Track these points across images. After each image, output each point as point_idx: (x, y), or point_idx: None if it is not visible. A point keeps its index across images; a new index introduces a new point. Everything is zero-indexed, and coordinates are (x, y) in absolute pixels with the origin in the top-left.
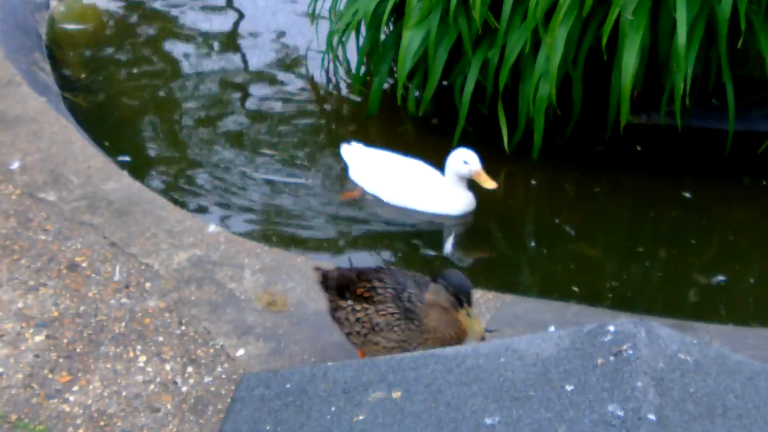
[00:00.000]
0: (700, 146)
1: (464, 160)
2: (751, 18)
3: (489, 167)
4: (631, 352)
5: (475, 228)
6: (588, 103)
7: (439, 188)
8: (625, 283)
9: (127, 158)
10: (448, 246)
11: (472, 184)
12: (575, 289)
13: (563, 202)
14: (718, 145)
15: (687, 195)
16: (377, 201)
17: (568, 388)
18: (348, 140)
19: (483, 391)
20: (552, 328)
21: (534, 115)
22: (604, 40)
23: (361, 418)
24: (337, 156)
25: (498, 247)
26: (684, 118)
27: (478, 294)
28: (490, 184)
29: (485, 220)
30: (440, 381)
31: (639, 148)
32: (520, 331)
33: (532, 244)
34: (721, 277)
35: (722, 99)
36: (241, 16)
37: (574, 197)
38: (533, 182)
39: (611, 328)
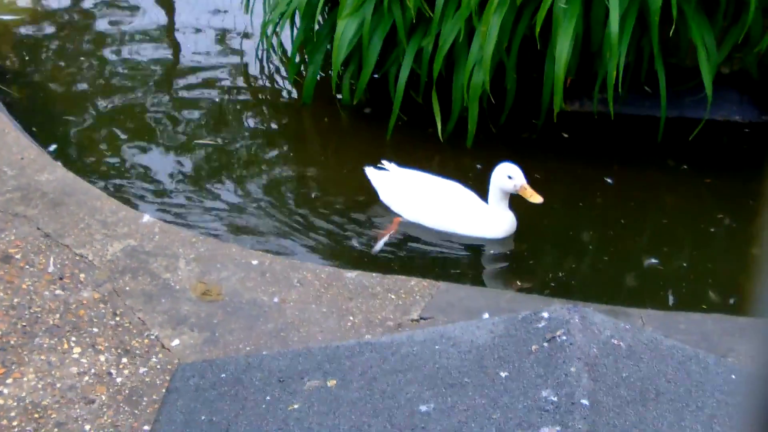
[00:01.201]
0: (633, 133)
1: (509, 174)
2: (683, 6)
3: (423, 155)
4: (564, 338)
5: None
6: (522, 91)
7: (481, 211)
8: (562, 269)
9: (60, 148)
10: (378, 246)
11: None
12: (515, 279)
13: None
14: (651, 132)
15: (609, 180)
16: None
17: (503, 374)
18: (373, 163)
19: (418, 379)
20: (486, 315)
21: (468, 103)
22: (538, 29)
23: (296, 406)
24: (273, 145)
25: (434, 236)
26: (617, 106)
27: (412, 282)
28: (536, 198)
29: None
30: (375, 369)
31: (566, 136)
32: (454, 319)
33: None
34: (653, 260)
35: (654, 86)
36: (176, 3)
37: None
38: (473, 167)
39: (545, 315)
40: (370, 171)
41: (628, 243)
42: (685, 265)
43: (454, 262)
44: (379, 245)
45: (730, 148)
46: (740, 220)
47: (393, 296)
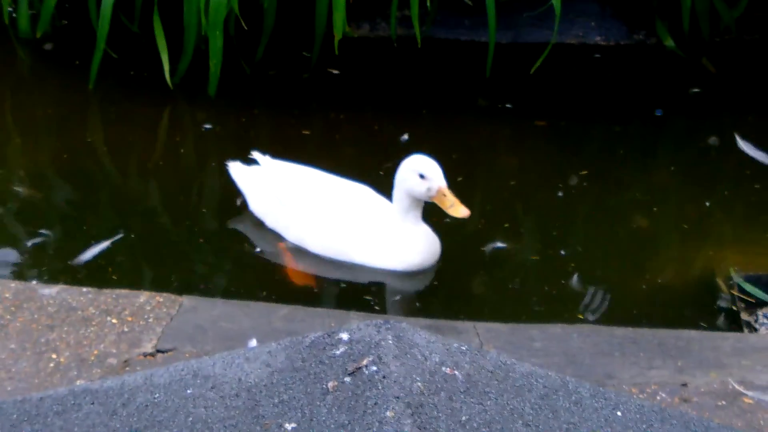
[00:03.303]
0: (447, 66)
1: (420, 172)
2: None
3: (142, 111)
4: (375, 368)
5: (131, 198)
6: (285, 12)
7: (383, 229)
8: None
9: None
10: (88, 254)
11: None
12: (282, 282)
13: (253, 150)
14: (474, 63)
15: (404, 137)
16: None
17: (288, 426)
18: (238, 157)
19: None
20: (254, 342)
21: (208, 31)
22: None
23: None
24: None
25: (164, 225)
26: (424, 27)
27: (141, 298)
28: (459, 210)
29: (147, 186)
30: (100, 428)
31: (336, 72)
32: (208, 349)
33: (210, 221)
34: (498, 244)
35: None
36: None
37: (269, 143)
38: (207, 127)
39: (344, 336)
40: (235, 168)
41: (453, 221)
42: (537, 247)
43: (196, 257)
44: (90, 253)
45: (581, 78)
46: (600, 175)
47: (114, 320)
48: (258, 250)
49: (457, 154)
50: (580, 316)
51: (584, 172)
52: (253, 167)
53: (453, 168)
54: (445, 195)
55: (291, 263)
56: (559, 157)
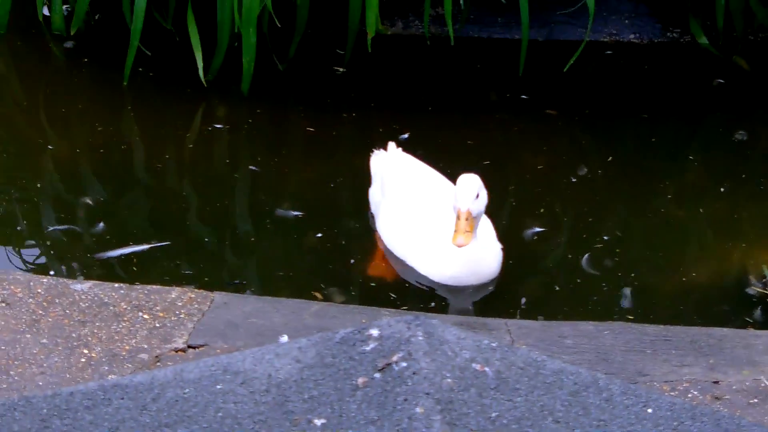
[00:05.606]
0: (481, 63)
1: (456, 188)
2: None
3: (177, 109)
4: (404, 364)
5: (163, 198)
6: (319, 8)
7: (439, 236)
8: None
9: None
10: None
11: None
12: (320, 286)
13: (287, 153)
14: (507, 60)
15: (405, 136)
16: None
17: (318, 422)
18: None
19: None
20: (285, 338)
21: (241, 28)
22: None
23: None
24: None
25: (197, 227)
26: (457, 25)
27: (173, 293)
28: (456, 238)
29: (177, 184)
30: (130, 423)
31: (341, 71)
32: (239, 345)
33: (245, 221)
34: (536, 229)
35: None
36: None
37: (299, 145)
38: (245, 125)
39: (374, 332)
40: (374, 155)
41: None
42: (564, 238)
43: (226, 255)
44: (124, 250)
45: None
46: (626, 165)
47: (146, 316)
48: (318, 235)
49: (473, 142)
50: (630, 317)
51: (610, 158)
52: (383, 156)
53: (468, 160)
54: (458, 219)
55: (378, 251)
56: (575, 146)
